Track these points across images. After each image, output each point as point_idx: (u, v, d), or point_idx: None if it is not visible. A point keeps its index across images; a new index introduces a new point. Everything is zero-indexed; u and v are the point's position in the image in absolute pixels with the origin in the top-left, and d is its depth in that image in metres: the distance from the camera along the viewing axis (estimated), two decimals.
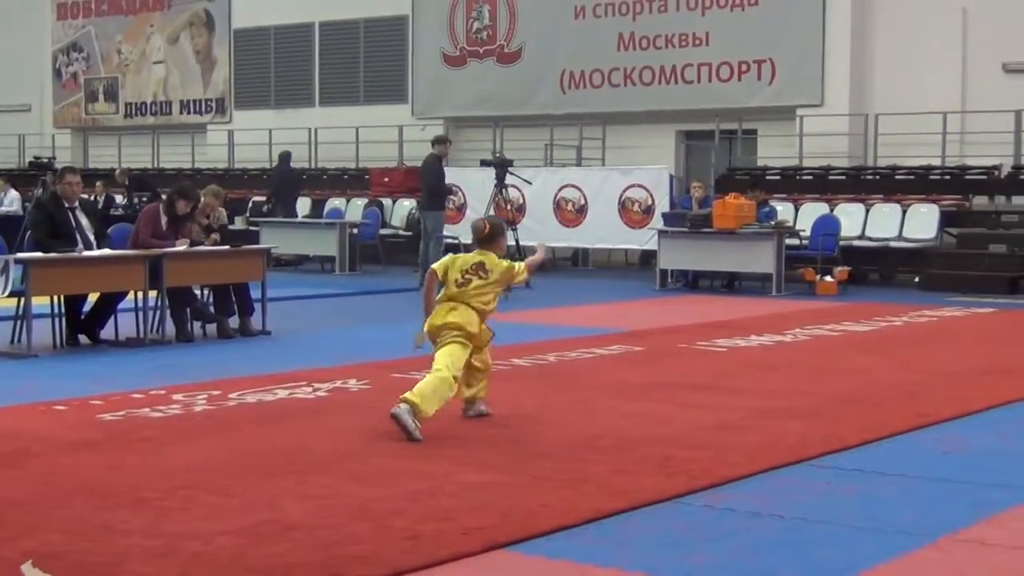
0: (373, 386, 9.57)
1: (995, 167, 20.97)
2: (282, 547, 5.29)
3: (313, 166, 28.22)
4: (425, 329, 8.07)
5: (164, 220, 12.66)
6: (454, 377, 7.76)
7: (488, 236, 8.30)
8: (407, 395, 7.55)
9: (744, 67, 23.80)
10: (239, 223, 22.86)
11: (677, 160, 25.16)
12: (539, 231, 21.57)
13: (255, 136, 28.54)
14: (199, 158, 30.52)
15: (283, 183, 24.06)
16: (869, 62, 22.92)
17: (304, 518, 5.73)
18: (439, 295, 8.17)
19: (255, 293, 13.13)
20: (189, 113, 31.73)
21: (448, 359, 7.81)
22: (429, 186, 19.66)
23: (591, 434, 7.72)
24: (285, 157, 24.28)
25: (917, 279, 19.63)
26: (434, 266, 8.26)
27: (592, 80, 25.53)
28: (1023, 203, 20.45)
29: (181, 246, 12.47)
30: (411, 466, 6.81)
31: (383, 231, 24.10)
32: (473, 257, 8.22)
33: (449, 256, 8.36)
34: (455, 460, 6.96)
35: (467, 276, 8.10)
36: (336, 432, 7.81)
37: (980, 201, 21.17)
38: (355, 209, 24.90)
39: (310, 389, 9.37)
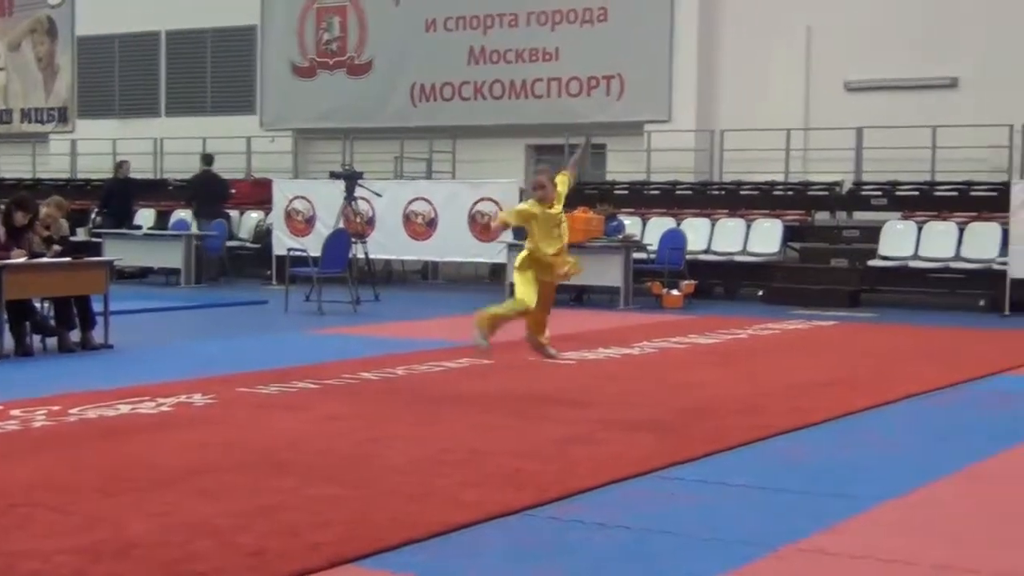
0: (218, 400, 9.45)
1: (837, 183, 21.45)
2: (123, 565, 5.19)
3: (158, 177, 27.80)
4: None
5: (1, 232, 12.36)
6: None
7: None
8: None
9: (593, 82, 24.03)
10: (81, 234, 22.45)
11: (527, 174, 25.27)
12: (389, 244, 21.55)
13: (99, 146, 28.04)
14: (40, 168, 29.86)
15: (116, 194, 23.90)
16: (715, 79, 23.29)
17: (146, 535, 5.63)
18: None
19: (97, 306, 12.88)
20: (30, 122, 31.03)
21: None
22: (223, 197, 23.75)
23: (440, 447, 7.71)
24: (122, 166, 24.13)
25: (761, 293, 19.99)
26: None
27: (443, 93, 25.57)
28: (864, 218, 20.94)
29: (18, 258, 12.17)
30: (257, 481, 6.73)
31: (230, 243, 23.82)
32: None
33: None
34: (301, 475, 6.90)
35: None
36: (180, 447, 7.69)
37: (822, 216, 21.63)
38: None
39: (153, 404, 9.21)
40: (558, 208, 9.88)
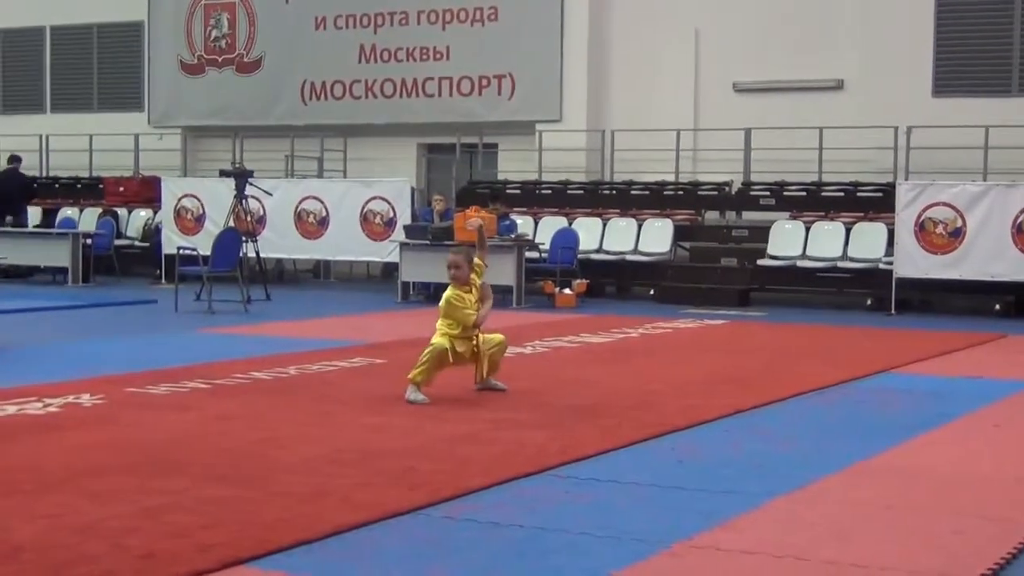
0: (107, 400, 9.31)
1: (726, 183, 21.68)
2: (10, 569, 5.09)
3: (44, 174, 27.36)
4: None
5: None
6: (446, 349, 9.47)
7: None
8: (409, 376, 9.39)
9: (484, 82, 24.07)
10: None
11: (419, 173, 25.29)
12: (280, 243, 21.39)
13: None
14: None
15: None
16: (606, 79, 23.44)
17: (34, 538, 5.53)
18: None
19: None
20: None
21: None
22: (26, 195, 24.20)
23: (333, 447, 7.66)
24: None
25: (652, 292, 20.13)
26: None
27: (334, 91, 25.46)
28: (753, 218, 21.19)
29: None
30: (147, 483, 6.64)
31: (118, 241, 23.56)
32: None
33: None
34: (192, 476, 6.82)
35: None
36: (69, 449, 7.56)
37: (712, 216, 21.86)
38: (89, 219, 24.26)
39: (40, 405, 9.05)
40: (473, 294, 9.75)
